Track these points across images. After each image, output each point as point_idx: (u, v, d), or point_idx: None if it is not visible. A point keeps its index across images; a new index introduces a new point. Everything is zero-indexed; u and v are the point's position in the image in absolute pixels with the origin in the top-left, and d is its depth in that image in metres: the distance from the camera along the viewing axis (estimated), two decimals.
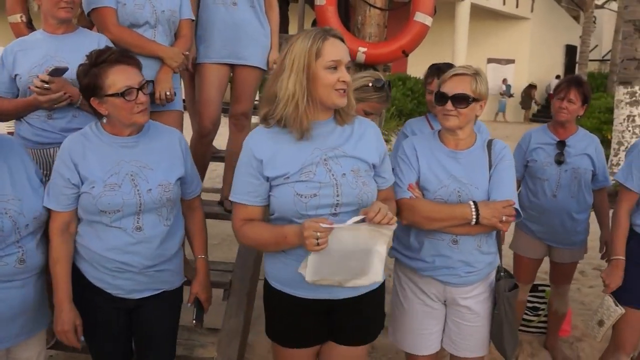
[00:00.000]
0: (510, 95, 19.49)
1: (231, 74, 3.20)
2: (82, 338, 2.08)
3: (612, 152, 8.32)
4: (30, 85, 2.38)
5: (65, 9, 2.46)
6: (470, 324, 2.29)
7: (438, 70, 2.92)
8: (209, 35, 3.05)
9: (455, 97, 2.15)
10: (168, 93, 2.75)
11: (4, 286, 1.93)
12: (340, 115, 1.91)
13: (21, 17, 3.41)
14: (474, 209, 2.11)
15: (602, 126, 9.82)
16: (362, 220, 1.78)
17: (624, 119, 7.86)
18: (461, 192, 2.17)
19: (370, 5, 3.86)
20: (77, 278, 2.08)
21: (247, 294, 2.95)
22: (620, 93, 7.86)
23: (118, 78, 1.97)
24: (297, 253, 1.86)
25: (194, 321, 2.32)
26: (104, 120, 2.05)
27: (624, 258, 2.65)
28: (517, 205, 2.17)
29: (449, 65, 2.90)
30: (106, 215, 2.00)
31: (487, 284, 2.31)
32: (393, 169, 2.16)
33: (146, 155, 2.07)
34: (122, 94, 1.96)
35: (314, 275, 1.81)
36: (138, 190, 2.01)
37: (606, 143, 9.32)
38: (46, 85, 2.35)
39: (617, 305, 2.65)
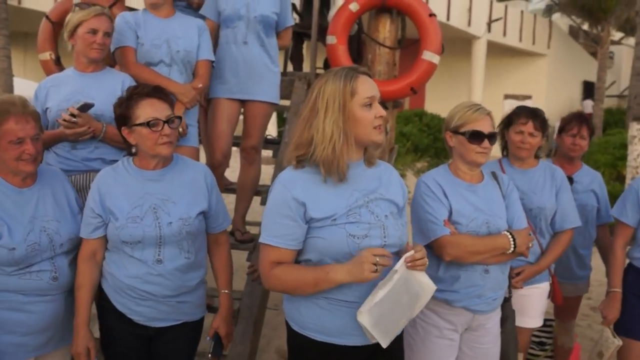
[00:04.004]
0: None
1: (242, 109, 3.35)
2: None
3: (626, 188, 8.25)
4: (59, 118, 2.56)
5: (97, 50, 2.67)
6: (485, 346, 2.37)
7: (533, 113, 2.79)
8: (221, 72, 3.22)
9: (491, 135, 2.28)
10: (181, 129, 2.83)
11: (39, 300, 2.12)
12: (369, 154, 1.91)
13: (50, 55, 3.66)
14: (511, 239, 2.24)
15: (616, 162, 9.80)
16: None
17: (638, 155, 7.84)
18: (489, 223, 2.27)
19: (380, 44, 4.02)
20: (102, 301, 2.20)
21: (254, 321, 3.00)
22: (634, 129, 7.86)
23: (146, 110, 2.11)
24: (346, 297, 1.81)
25: (210, 355, 2.30)
26: (133, 150, 2.19)
27: (620, 290, 2.75)
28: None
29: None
30: (128, 246, 2.11)
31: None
32: (420, 208, 2.27)
33: (170, 189, 2.17)
34: (148, 124, 2.09)
35: (387, 337, 1.82)
36: (159, 223, 2.10)
37: (621, 179, 9.27)
38: (74, 120, 2.53)
39: (614, 337, 2.72)
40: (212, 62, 3.09)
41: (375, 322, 1.76)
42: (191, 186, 2.21)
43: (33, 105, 2.19)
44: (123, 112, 2.14)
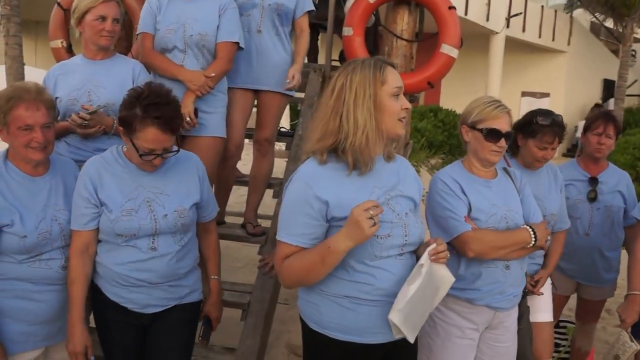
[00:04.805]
0: None
1: (255, 100, 3.30)
2: (93, 358, 2.13)
3: None
4: (68, 117, 2.56)
5: (106, 37, 2.63)
6: (504, 345, 2.35)
7: (558, 126, 2.67)
8: (234, 61, 3.10)
9: (508, 134, 2.24)
10: (188, 118, 2.78)
11: (48, 289, 2.11)
12: (389, 149, 1.88)
13: (62, 42, 3.64)
14: (532, 233, 2.22)
15: (636, 162, 9.68)
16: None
17: None
18: (508, 219, 2.25)
19: (397, 36, 3.94)
20: (95, 293, 2.18)
21: (264, 315, 2.98)
22: None
23: (147, 137, 2.02)
24: (368, 296, 1.79)
25: (200, 338, 2.38)
26: (125, 148, 2.15)
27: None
28: None
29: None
30: (122, 238, 2.09)
31: None
32: (438, 205, 2.23)
33: (164, 182, 2.15)
34: (141, 154, 2.04)
35: (414, 332, 1.83)
36: (154, 216, 2.09)
37: None
38: (85, 123, 2.53)
39: (632, 341, 2.67)
40: (237, 43, 2.90)
41: (405, 319, 1.76)
42: (184, 178, 2.19)
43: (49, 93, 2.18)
44: (128, 119, 2.04)
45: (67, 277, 2.12)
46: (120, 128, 2.10)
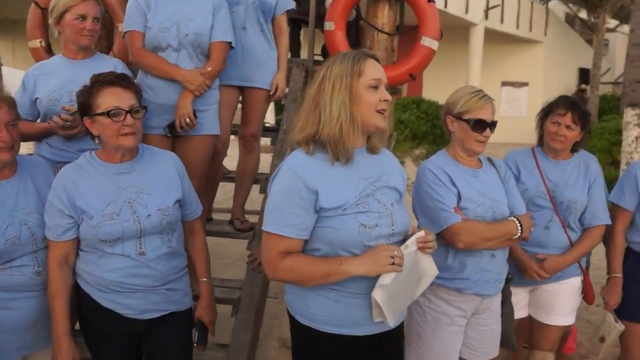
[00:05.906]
0: None
1: (240, 96, 3.30)
2: None
3: (621, 173, 8.32)
4: (50, 121, 2.53)
5: (87, 37, 2.59)
6: (490, 328, 2.41)
7: (574, 105, 2.65)
8: None
9: (492, 123, 2.28)
10: (188, 120, 2.73)
11: (20, 296, 2.02)
12: (372, 143, 1.89)
13: (40, 42, 3.57)
14: (518, 224, 2.28)
15: (612, 147, 9.93)
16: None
17: (632, 141, 7.84)
18: (494, 209, 2.29)
19: (378, 30, 3.97)
20: (84, 301, 2.09)
21: (255, 310, 2.98)
22: (629, 115, 7.85)
23: (108, 98, 2.00)
24: (354, 288, 1.79)
25: (195, 344, 2.26)
26: (96, 141, 2.08)
27: (621, 275, 2.77)
28: None
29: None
30: (106, 244, 2.01)
31: None
32: (427, 196, 2.26)
33: (142, 180, 2.08)
34: (109, 113, 1.98)
35: (394, 315, 1.82)
36: (137, 217, 2.02)
37: (616, 164, 9.32)
38: (67, 124, 2.50)
39: (617, 322, 2.75)
40: (229, 43, 2.86)
41: (388, 299, 1.76)
42: (163, 175, 2.13)
43: (9, 91, 2.10)
44: (85, 101, 2.03)
45: (42, 283, 2.04)
46: (85, 118, 2.05)
